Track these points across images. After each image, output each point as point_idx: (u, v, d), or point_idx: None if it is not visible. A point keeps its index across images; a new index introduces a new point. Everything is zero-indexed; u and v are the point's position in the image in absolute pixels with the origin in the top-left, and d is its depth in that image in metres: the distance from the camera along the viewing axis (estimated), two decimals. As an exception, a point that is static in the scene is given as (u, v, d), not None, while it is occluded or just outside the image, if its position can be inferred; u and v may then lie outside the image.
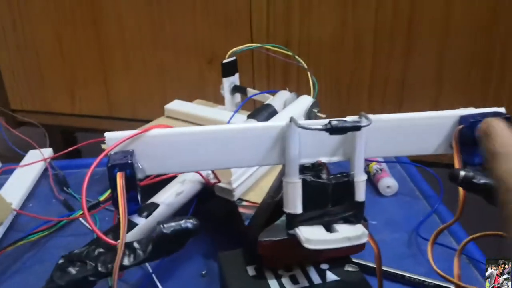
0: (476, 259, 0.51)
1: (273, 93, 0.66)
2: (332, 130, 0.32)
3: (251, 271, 0.40)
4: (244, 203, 0.50)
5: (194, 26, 1.04)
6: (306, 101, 0.61)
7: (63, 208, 0.61)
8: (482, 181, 0.32)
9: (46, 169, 0.69)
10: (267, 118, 0.58)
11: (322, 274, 0.41)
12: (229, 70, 0.68)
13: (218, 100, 0.72)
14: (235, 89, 0.69)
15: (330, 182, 0.36)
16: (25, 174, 0.65)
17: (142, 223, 0.32)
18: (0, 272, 0.50)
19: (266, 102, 0.63)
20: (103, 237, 0.29)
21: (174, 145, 0.35)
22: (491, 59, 0.91)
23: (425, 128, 0.37)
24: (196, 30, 1.04)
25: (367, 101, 0.99)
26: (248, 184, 0.51)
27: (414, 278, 0.48)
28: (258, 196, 0.50)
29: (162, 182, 0.45)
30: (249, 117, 0.59)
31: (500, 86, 0.92)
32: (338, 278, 0.40)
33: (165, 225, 0.29)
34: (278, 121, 0.35)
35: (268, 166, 0.54)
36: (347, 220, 0.37)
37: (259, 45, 0.70)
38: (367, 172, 0.65)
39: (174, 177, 0.48)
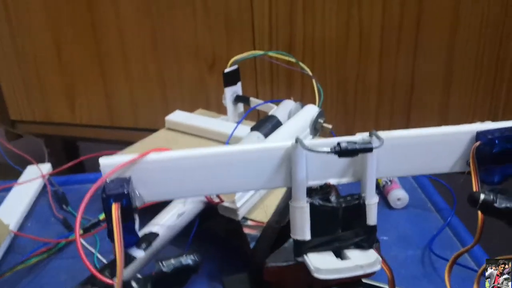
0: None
1: (277, 102, 0.64)
2: (341, 153, 0.30)
3: (257, 297, 0.38)
4: (249, 222, 0.48)
5: (194, 30, 1.02)
6: (311, 111, 0.59)
7: (63, 227, 0.60)
8: (503, 205, 0.30)
9: (45, 186, 0.67)
10: (271, 130, 0.56)
11: (332, 299, 0.39)
12: (231, 79, 0.66)
13: (221, 106, 0.69)
14: (237, 99, 0.67)
15: (340, 205, 0.34)
16: (23, 192, 0.64)
17: (141, 256, 0.30)
18: (-3, 299, 0.48)
19: (270, 113, 0.60)
20: (99, 275, 0.27)
21: (173, 170, 0.33)
22: (502, 59, 0.88)
23: (440, 145, 0.35)
24: (197, 34, 1.02)
25: (374, 105, 0.97)
26: (253, 202, 0.49)
27: (429, 299, 0.46)
28: (263, 214, 0.48)
29: (162, 203, 0.43)
30: (252, 129, 0.57)
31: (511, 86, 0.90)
32: (349, 303, 0.38)
33: (164, 263, 0.27)
34: (283, 142, 0.33)
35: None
36: (359, 245, 0.34)
37: (261, 52, 0.68)
38: (376, 183, 0.62)
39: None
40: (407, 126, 1.03)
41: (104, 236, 0.55)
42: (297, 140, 0.32)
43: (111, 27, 1.05)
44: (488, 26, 0.87)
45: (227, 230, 0.51)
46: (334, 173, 0.34)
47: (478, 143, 0.34)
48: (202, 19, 1.00)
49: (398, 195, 0.60)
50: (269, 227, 0.40)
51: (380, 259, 0.33)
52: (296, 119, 0.57)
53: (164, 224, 0.42)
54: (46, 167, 0.69)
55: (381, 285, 0.45)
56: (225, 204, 0.47)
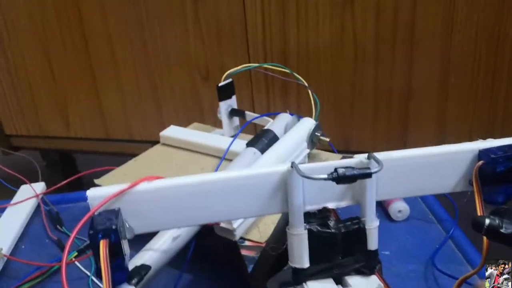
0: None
1: (273, 115, 0.63)
2: (339, 179, 0.29)
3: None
4: (247, 242, 0.46)
5: (186, 41, 1.01)
6: (308, 124, 0.58)
7: (57, 249, 0.58)
8: (510, 230, 0.29)
9: (39, 205, 0.65)
10: (267, 146, 0.55)
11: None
12: (225, 93, 0.65)
13: (216, 118, 0.68)
14: (232, 113, 0.66)
15: (339, 231, 0.32)
16: (17, 213, 0.62)
17: (132, 292, 0.29)
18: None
19: (266, 127, 0.59)
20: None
21: (164, 199, 0.31)
22: (499, 63, 0.87)
23: (441, 165, 0.34)
24: (189, 46, 1.01)
25: (371, 114, 0.95)
26: (250, 222, 0.48)
27: (434, 317, 0.44)
28: (261, 234, 0.47)
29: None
30: (248, 145, 0.56)
31: (510, 91, 0.88)
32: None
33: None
34: (278, 166, 0.32)
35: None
36: (360, 272, 0.33)
37: (256, 65, 0.67)
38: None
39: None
40: (405, 134, 1.02)
41: (99, 259, 0.54)
42: (293, 165, 0.31)
43: (101, 40, 1.04)
44: (483, 33, 0.85)
45: (224, 249, 0.50)
46: (332, 198, 0.33)
47: (480, 162, 0.33)
48: (194, 30, 1.00)
49: (399, 207, 0.58)
50: (265, 255, 0.39)
51: (382, 285, 0.32)
52: (293, 133, 0.56)
53: (158, 249, 0.41)
54: (40, 186, 0.67)
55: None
56: (222, 225, 0.46)
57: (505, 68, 0.86)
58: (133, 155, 0.65)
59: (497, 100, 0.89)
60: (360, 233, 0.33)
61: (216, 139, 0.64)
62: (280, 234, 0.36)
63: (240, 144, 0.59)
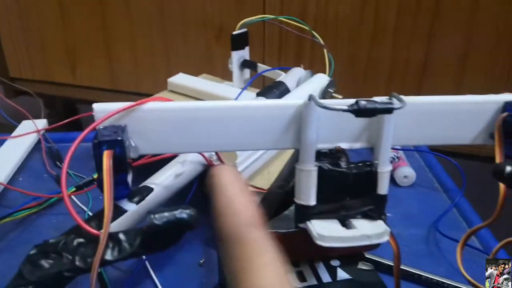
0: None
1: (285, 69, 0.61)
2: (359, 112, 0.28)
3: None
4: (250, 188, 0.45)
5: (203, -1, 0.98)
6: (322, 79, 0.56)
7: (55, 184, 0.57)
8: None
9: (39, 141, 0.64)
10: (278, 97, 0.54)
11: (332, 272, 0.37)
12: (239, 42, 0.63)
13: (226, 76, 0.67)
14: (244, 64, 0.64)
15: (350, 171, 0.31)
16: (16, 145, 0.61)
17: (133, 209, 0.28)
18: (-18, 251, 0.46)
19: (278, 79, 0.58)
20: (84, 225, 0.25)
21: (173, 121, 0.30)
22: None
23: (463, 114, 0.32)
24: (205, 2, 0.98)
25: (385, 83, 0.94)
26: (255, 168, 0.47)
27: (432, 279, 0.44)
28: (265, 181, 0.46)
29: (159, 162, 0.40)
30: (258, 95, 0.54)
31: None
32: (350, 277, 0.36)
33: (157, 215, 0.24)
34: (294, 99, 0.30)
35: (277, 149, 0.50)
36: (367, 215, 0.32)
37: (272, 16, 0.65)
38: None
39: (173, 157, 0.43)
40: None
41: (97, 195, 0.53)
42: (311, 97, 0.29)
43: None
44: (509, 9, 0.83)
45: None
46: (347, 137, 0.32)
47: (505, 114, 0.31)
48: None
49: (405, 173, 0.57)
50: (271, 193, 0.38)
51: (389, 230, 0.31)
52: (305, 87, 0.55)
53: (160, 184, 0.40)
54: (42, 123, 0.66)
55: (383, 260, 0.43)
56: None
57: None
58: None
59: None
60: (372, 176, 0.31)
61: (225, 88, 0.62)
62: (288, 175, 0.35)
63: (249, 96, 0.57)
